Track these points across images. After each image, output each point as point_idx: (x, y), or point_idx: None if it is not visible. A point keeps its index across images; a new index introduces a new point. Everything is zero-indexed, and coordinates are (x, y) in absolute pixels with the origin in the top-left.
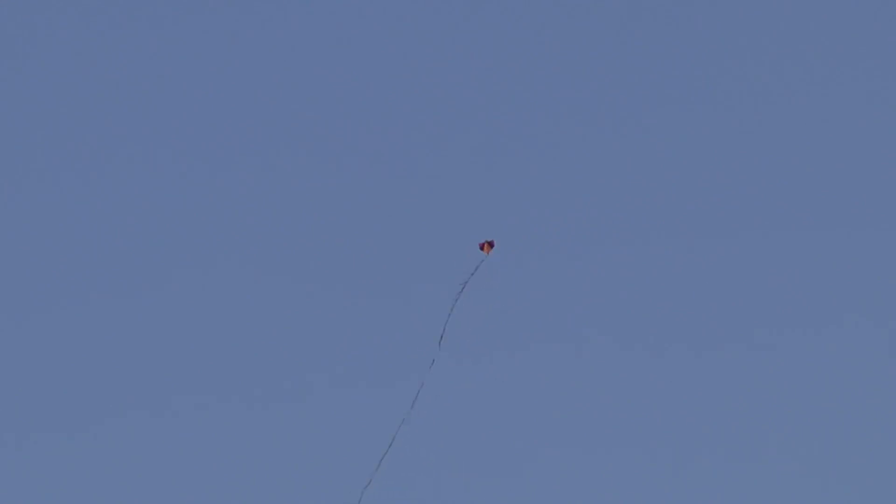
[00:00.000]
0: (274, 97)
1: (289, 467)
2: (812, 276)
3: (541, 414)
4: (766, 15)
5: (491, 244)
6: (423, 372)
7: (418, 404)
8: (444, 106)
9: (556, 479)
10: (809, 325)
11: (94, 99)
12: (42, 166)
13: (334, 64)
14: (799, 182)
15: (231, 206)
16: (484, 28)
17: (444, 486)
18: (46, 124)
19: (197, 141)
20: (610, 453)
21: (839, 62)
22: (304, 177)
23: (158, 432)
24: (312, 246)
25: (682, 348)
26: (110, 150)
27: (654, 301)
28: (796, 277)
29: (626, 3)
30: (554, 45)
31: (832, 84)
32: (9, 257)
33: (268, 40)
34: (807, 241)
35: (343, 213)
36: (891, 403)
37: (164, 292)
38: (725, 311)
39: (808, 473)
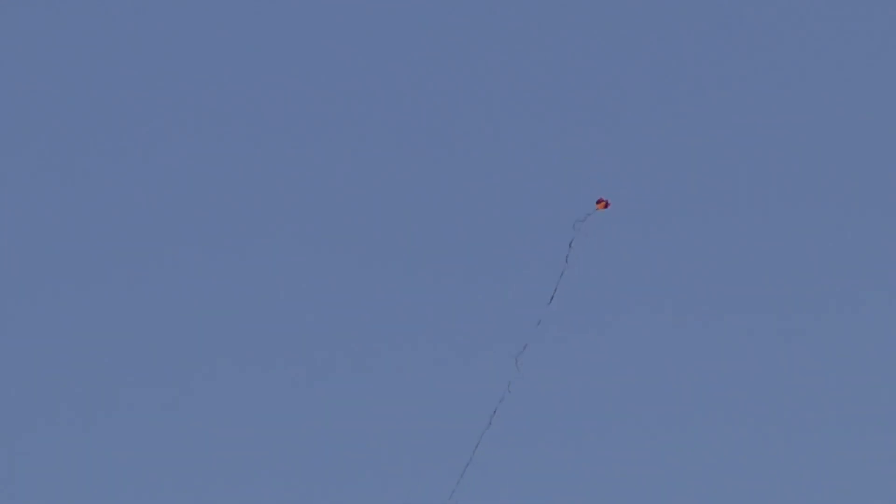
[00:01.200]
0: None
1: (401, 428)
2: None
3: (643, 378)
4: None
5: (606, 203)
6: (530, 332)
7: (523, 365)
8: (511, 81)
9: (654, 442)
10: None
11: (93, 94)
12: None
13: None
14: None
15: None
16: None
17: (546, 447)
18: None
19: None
20: (710, 419)
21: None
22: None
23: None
24: (416, 222)
25: (794, 314)
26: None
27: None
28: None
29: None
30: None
31: (847, 61)
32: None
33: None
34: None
35: (439, 185)
36: None
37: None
38: (826, 278)
39: None
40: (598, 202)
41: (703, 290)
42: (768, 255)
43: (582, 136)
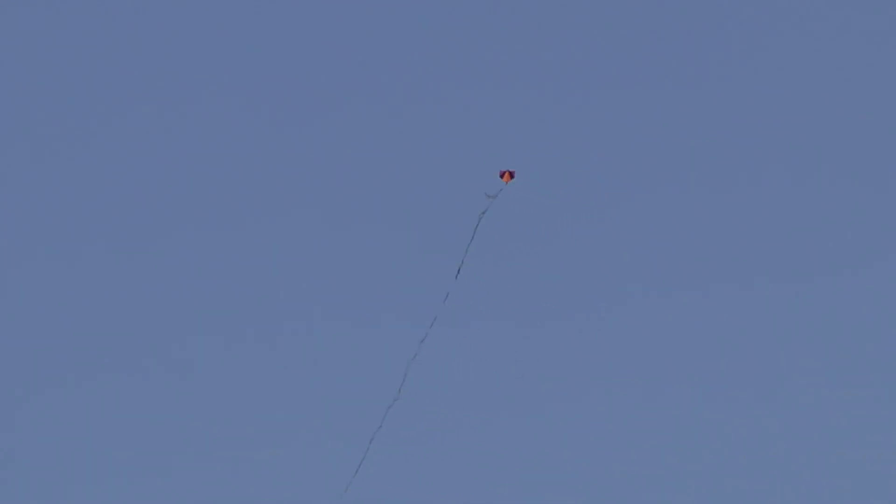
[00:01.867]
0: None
1: (305, 401)
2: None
3: (549, 350)
4: None
5: (511, 174)
6: (437, 306)
7: (429, 338)
8: (438, 41)
9: (554, 414)
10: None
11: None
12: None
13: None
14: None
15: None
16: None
17: (453, 419)
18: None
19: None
20: (609, 395)
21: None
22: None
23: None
24: (326, 184)
25: (713, 282)
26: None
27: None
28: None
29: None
30: None
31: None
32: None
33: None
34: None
35: (349, 150)
36: None
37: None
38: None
39: None
40: (503, 174)
41: (611, 265)
42: (657, 233)
43: (494, 109)
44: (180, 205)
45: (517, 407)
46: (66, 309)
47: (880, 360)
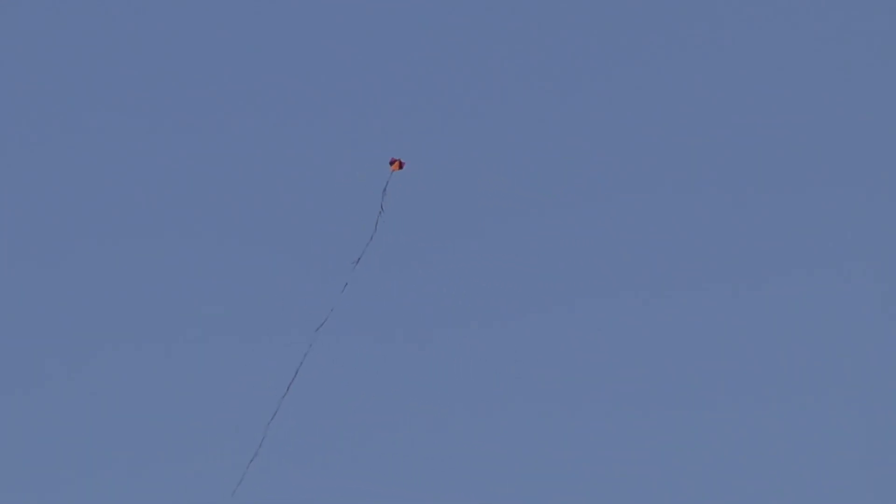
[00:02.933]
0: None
1: (198, 397)
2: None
3: (452, 339)
4: None
5: (401, 164)
6: (335, 297)
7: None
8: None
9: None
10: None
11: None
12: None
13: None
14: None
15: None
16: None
17: (349, 411)
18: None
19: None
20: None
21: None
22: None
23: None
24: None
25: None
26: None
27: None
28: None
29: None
30: None
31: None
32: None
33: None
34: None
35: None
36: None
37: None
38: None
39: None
40: (392, 163)
41: (517, 260)
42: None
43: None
44: (74, 213)
45: (419, 400)
46: None
47: (867, 361)
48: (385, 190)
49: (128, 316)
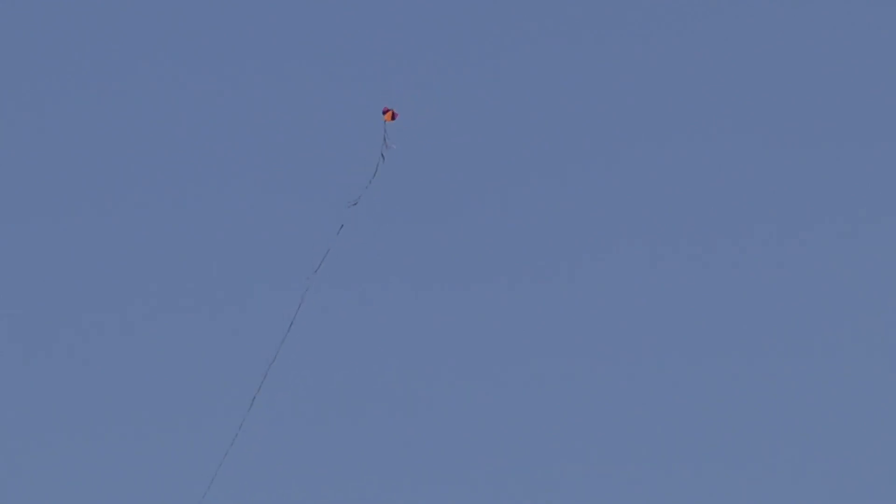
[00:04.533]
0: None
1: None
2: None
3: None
4: None
5: (393, 114)
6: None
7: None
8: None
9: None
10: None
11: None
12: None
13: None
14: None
15: None
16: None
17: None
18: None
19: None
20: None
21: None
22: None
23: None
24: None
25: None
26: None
27: None
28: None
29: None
30: None
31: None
32: None
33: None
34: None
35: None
36: None
37: None
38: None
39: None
40: (385, 112)
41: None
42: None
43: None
44: (74, 158)
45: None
46: None
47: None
48: (384, 139)
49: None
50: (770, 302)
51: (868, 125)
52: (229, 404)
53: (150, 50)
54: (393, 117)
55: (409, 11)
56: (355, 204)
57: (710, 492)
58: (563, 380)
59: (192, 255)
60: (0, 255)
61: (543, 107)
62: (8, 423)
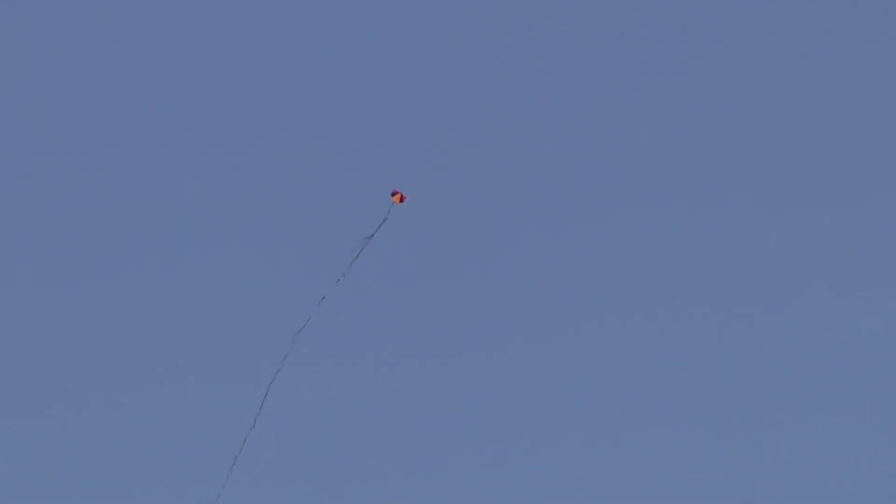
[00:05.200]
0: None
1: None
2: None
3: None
4: None
5: (402, 197)
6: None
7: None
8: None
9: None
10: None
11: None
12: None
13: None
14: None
15: None
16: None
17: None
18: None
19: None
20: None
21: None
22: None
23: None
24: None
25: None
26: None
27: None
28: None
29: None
30: None
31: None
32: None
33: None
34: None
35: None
36: None
37: None
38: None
39: None
40: (394, 195)
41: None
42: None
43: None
44: (65, 214)
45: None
46: None
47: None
48: (385, 220)
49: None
50: (767, 370)
51: (864, 189)
52: (207, 474)
53: (132, 125)
54: (402, 200)
55: (383, 96)
56: (341, 279)
57: None
58: (553, 449)
59: (173, 322)
60: None
61: (529, 177)
62: None
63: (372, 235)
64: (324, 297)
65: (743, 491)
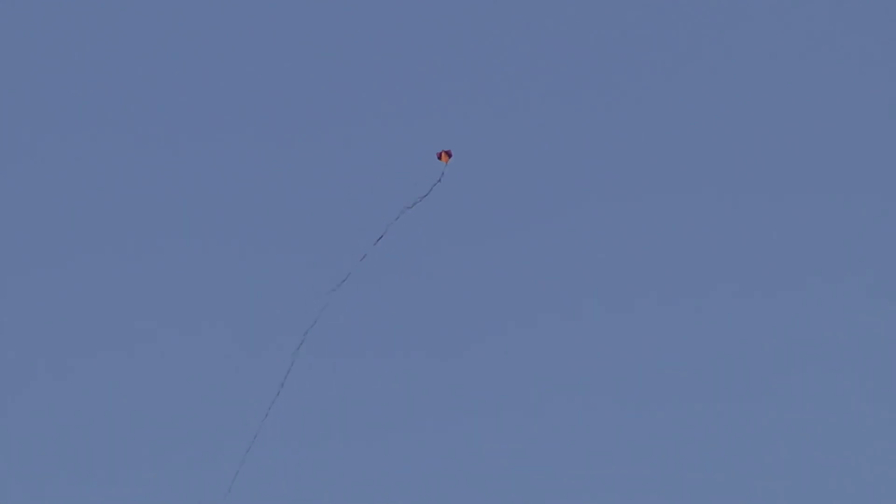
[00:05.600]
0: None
1: (184, 404)
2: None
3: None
4: None
5: (448, 154)
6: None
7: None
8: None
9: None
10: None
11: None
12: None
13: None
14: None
15: None
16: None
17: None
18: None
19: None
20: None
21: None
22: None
23: None
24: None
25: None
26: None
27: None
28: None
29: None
30: None
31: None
32: None
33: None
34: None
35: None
36: None
37: None
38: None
39: None
40: (440, 156)
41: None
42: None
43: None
44: (67, 213)
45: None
46: None
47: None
48: (440, 180)
49: (120, 320)
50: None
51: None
52: (213, 474)
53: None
54: (449, 156)
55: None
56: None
57: None
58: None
59: (182, 315)
60: None
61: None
62: None
63: (425, 195)
64: (364, 256)
65: (740, 486)
